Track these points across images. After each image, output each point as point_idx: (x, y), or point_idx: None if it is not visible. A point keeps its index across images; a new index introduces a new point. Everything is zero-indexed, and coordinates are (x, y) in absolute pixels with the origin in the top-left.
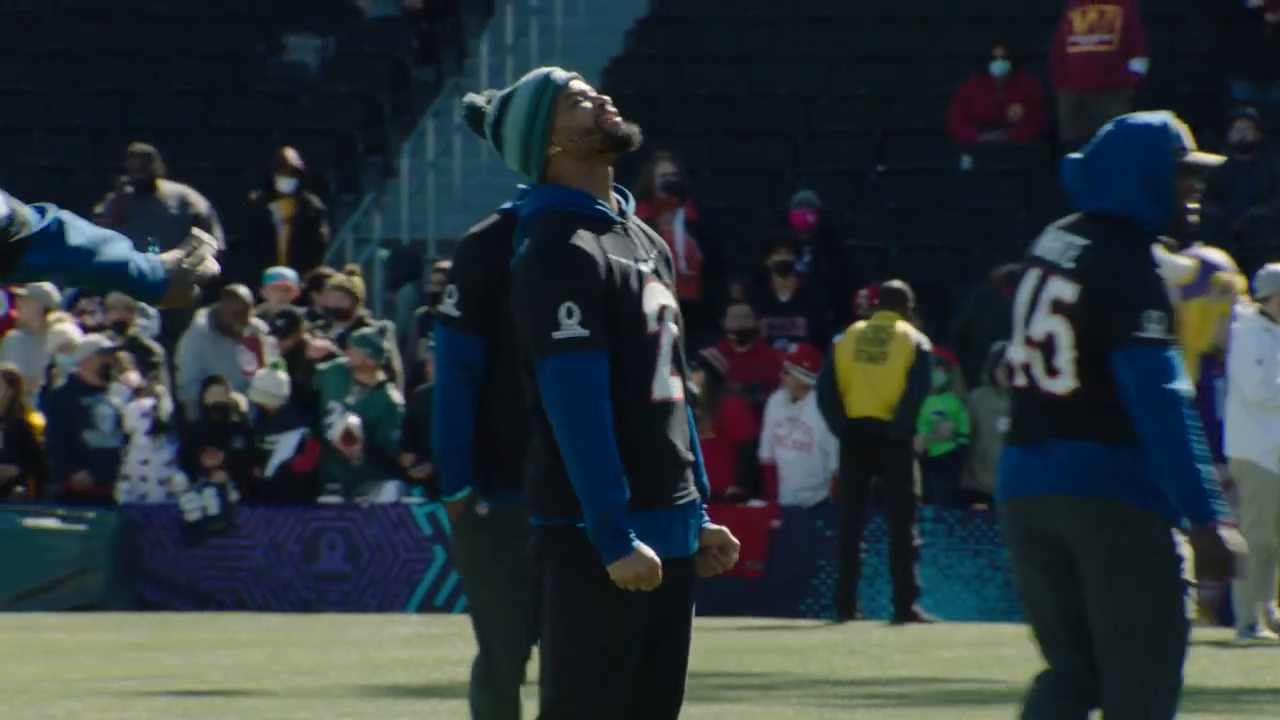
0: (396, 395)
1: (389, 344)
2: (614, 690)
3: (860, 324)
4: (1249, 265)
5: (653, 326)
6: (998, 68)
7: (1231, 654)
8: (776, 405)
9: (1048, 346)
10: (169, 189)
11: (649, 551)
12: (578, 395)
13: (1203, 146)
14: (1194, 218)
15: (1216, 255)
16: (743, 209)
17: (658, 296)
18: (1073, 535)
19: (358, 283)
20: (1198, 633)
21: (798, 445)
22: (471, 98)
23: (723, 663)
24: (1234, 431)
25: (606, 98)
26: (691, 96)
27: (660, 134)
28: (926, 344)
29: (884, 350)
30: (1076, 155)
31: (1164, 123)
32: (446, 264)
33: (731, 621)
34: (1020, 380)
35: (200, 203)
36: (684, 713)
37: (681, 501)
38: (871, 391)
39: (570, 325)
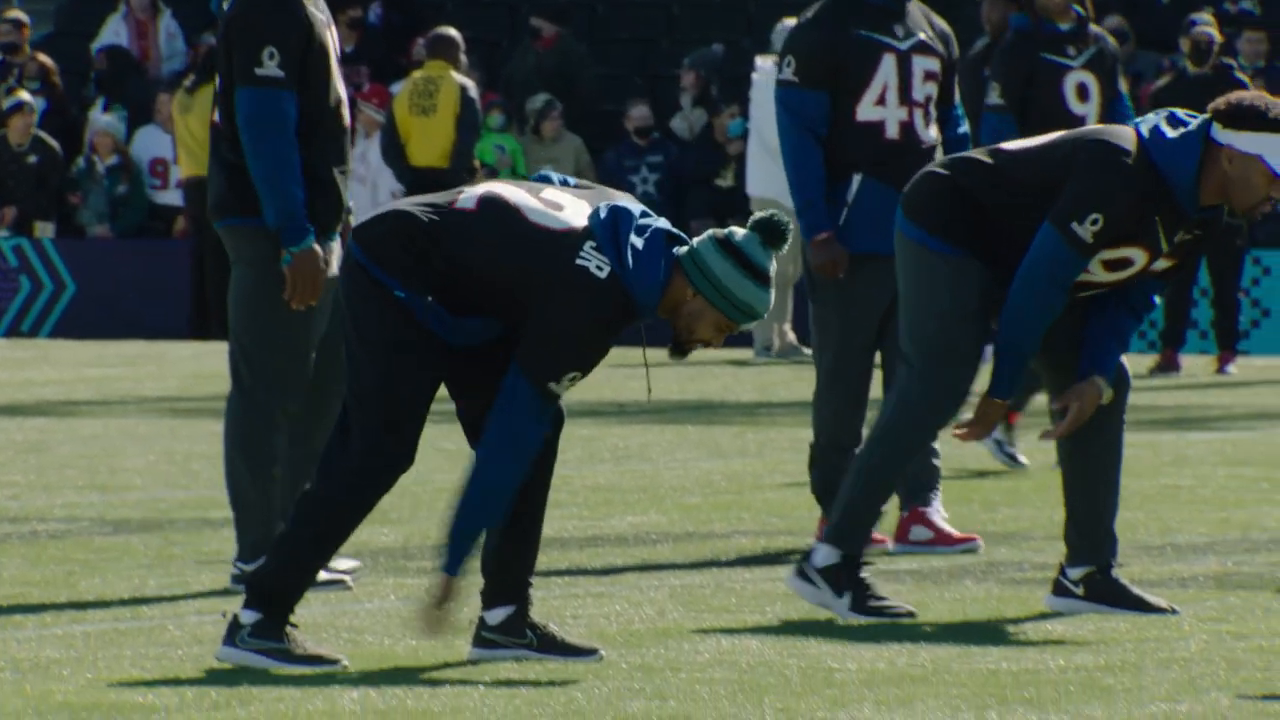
0: None
1: None
2: None
3: (415, 74)
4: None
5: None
6: None
7: (749, 371)
8: None
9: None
10: None
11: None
12: None
13: None
14: None
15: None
16: None
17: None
18: None
19: None
20: (720, 353)
21: (357, 178)
22: None
23: None
24: (755, 172)
25: None
26: None
27: None
28: (473, 89)
29: (434, 102)
30: None
31: None
32: None
33: None
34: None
35: None
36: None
37: None
38: (428, 142)
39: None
